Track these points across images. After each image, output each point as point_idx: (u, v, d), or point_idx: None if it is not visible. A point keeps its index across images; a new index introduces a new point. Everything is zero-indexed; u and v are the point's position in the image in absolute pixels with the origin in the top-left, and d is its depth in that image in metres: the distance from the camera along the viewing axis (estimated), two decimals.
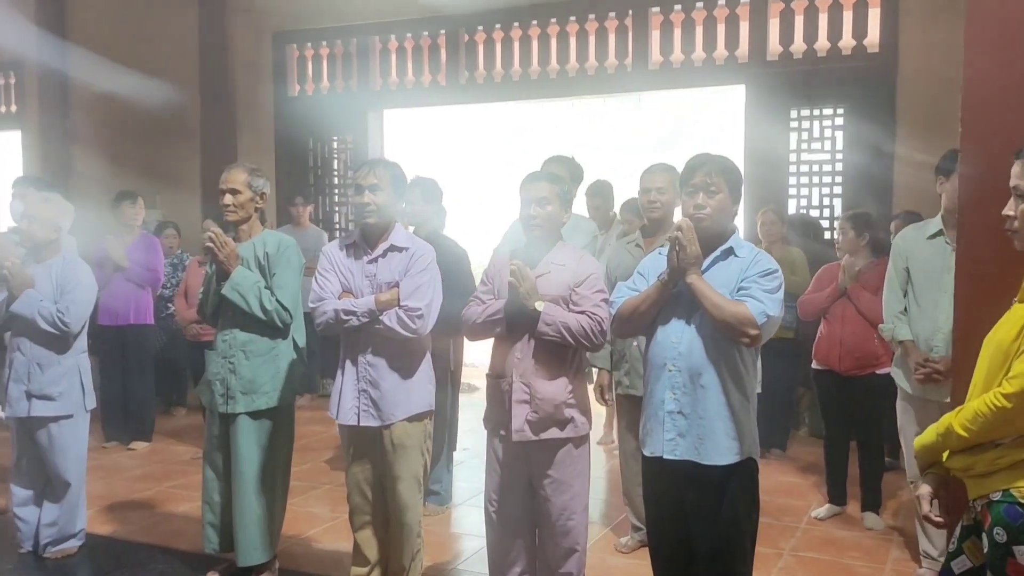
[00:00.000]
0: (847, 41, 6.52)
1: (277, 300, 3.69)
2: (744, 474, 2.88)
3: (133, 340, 6.26)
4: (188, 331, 5.96)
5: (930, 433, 2.20)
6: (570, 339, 3.12)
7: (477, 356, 7.41)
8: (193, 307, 5.73)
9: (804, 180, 6.83)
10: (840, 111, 6.65)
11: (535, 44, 7.52)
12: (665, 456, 2.87)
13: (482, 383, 7.90)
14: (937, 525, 2.26)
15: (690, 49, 6.98)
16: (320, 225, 8.25)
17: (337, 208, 8.56)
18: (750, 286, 2.82)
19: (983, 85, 2.49)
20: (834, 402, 4.71)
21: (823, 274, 4.86)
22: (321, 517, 4.83)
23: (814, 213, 6.80)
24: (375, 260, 3.42)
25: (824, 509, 4.79)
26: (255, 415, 3.73)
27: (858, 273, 4.63)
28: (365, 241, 3.46)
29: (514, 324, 3.18)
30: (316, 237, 7.26)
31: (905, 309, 3.90)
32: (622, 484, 4.37)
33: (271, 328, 3.73)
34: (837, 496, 4.82)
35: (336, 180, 8.53)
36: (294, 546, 4.34)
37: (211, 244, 3.64)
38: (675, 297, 2.90)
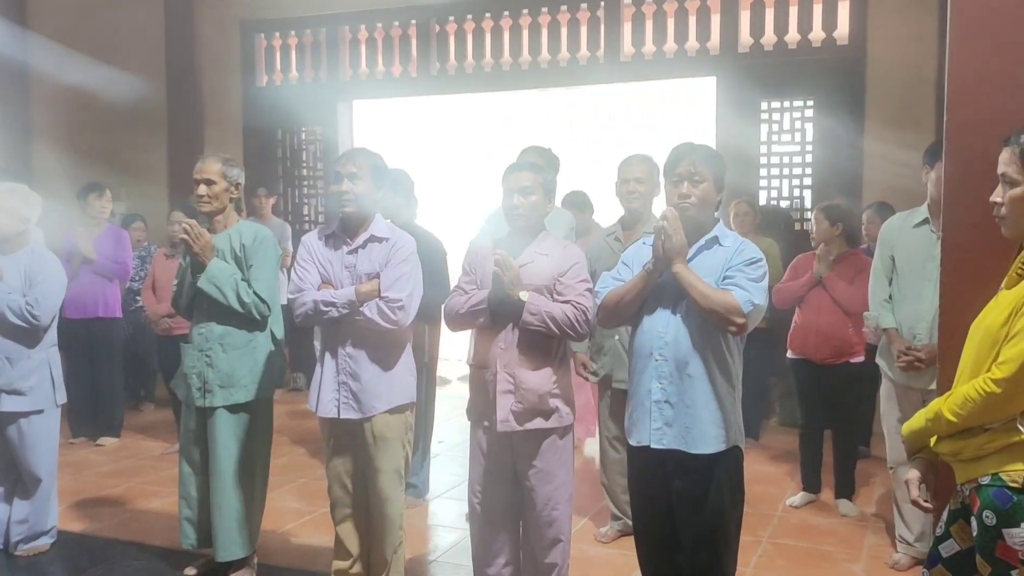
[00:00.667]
0: (817, 33, 6.58)
1: (255, 292, 3.64)
2: (730, 462, 2.90)
3: (101, 334, 6.14)
4: (159, 325, 5.86)
5: (918, 418, 2.23)
6: (555, 329, 3.11)
7: (450, 349, 7.37)
8: (162, 301, 5.67)
9: (775, 172, 6.88)
10: (810, 103, 6.70)
11: (507, 35, 7.48)
12: (652, 445, 2.87)
13: (455, 374, 7.88)
14: (925, 510, 2.29)
15: (662, 41, 7.00)
16: (289, 218, 8.17)
17: (306, 200, 8.47)
18: (735, 275, 2.84)
19: (967, 74, 2.52)
20: (810, 391, 4.76)
21: (798, 263, 4.90)
22: (298, 511, 4.79)
23: (784, 205, 6.86)
24: (355, 251, 3.38)
25: (799, 497, 4.84)
26: (233, 409, 3.68)
27: (832, 262, 4.67)
28: (344, 231, 3.42)
29: (498, 314, 3.17)
30: (279, 230, 7.16)
31: (890, 297, 3.94)
32: (601, 473, 4.38)
33: (248, 321, 3.68)
34: (812, 484, 4.87)
35: (305, 172, 8.44)
36: (272, 541, 4.29)
37: (186, 236, 3.58)
38: (660, 286, 2.90)
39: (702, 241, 2.94)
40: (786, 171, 6.85)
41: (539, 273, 3.19)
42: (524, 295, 3.12)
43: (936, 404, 2.16)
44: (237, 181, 3.76)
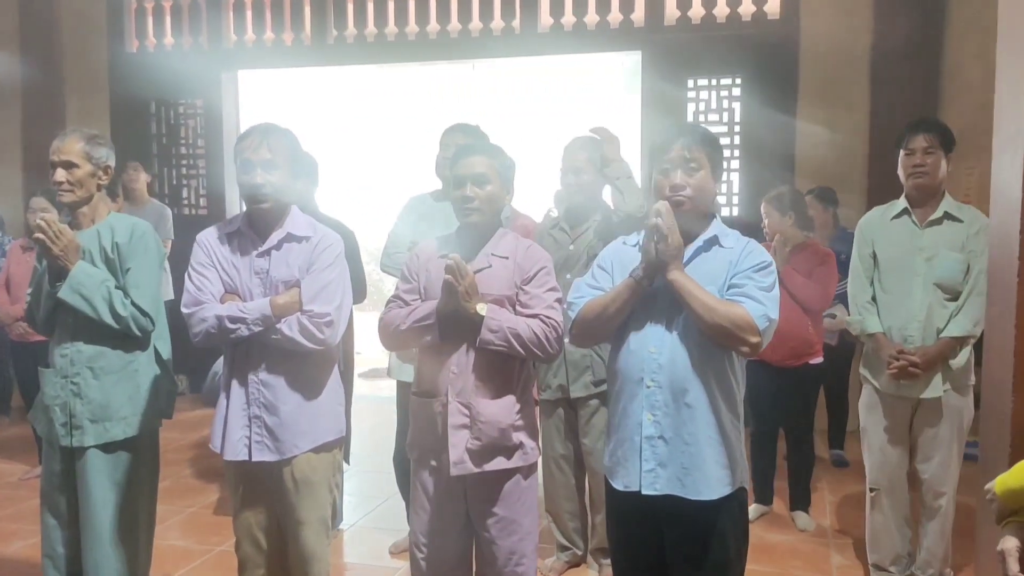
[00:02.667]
0: (747, 7, 6.20)
1: (133, 302, 2.93)
2: (735, 507, 2.42)
3: None
4: (13, 329, 5.02)
5: (1018, 475, 1.78)
6: (519, 349, 2.56)
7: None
8: (17, 301, 4.85)
9: None
10: (738, 81, 6.33)
11: (412, 2, 6.81)
12: (643, 491, 2.36)
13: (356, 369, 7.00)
14: None
15: (582, 12, 6.47)
16: (167, 200, 7.25)
17: (186, 181, 7.57)
18: (744, 283, 2.35)
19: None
20: (765, 395, 4.36)
21: None
22: (188, 552, 4.08)
23: None
24: (267, 253, 2.72)
25: (751, 509, 4.46)
26: (109, 448, 2.97)
27: (788, 254, 4.28)
28: (253, 229, 2.75)
29: (449, 331, 2.59)
30: (157, 214, 6.30)
31: (873, 298, 3.56)
32: (545, 497, 3.86)
33: (126, 338, 2.96)
34: (765, 495, 4.51)
35: (184, 150, 7.54)
36: None
37: (41, 236, 2.83)
38: (651, 297, 2.39)
39: (700, 241, 2.44)
40: None
41: (498, 280, 2.63)
42: (482, 308, 2.55)
43: None
44: (106, 163, 3.02)
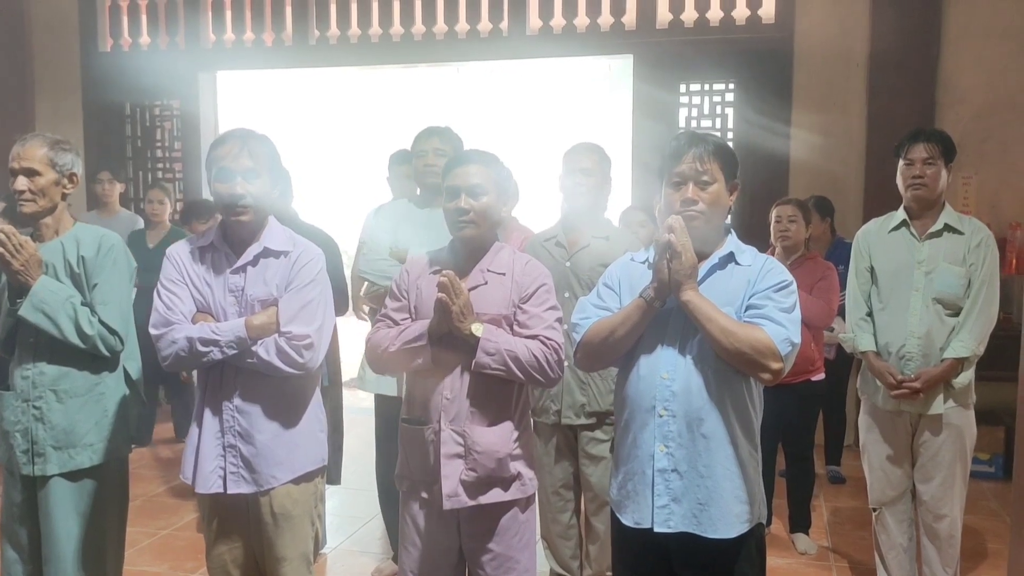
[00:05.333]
0: (741, 11, 6.04)
1: (101, 320, 2.72)
2: (752, 545, 2.25)
3: None
4: None
5: None
6: (518, 373, 2.37)
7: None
8: None
9: None
10: (731, 86, 6.18)
11: (396, 3, 6.61)
12: (656, 528, 2.18)
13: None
14: None
15: (572, 14, 6.30)
16: (142, 206, 6.98)
17: (161, 186, 7.31)
18: (763, 304, 2.18)
19: None
20: (764, 412, 4.17)
21: None
22: None
23: None
24: (242, 269, 2.51)
25: None
26: (74, 476, 2.75)
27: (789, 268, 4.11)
28: (228, 243, 2.55)
29: (442, 353, 2.40)
30: (129, 224, 6.07)
31: (868, 314, 3.41)
32: (540, 525, 3.66)
33: (93, 359, 2.75)
34: (766, 515, 4.33)
35: (160, 153, 7.29)
36: None
37: (0, 249, 2.61)
38: (662, 318, 2.22)
39: (714, 259, 2.27)
40: None
41: (494, 298, 2.45)
42: (477, 328, 2.36)
43: None
44: (71, 171, 2.80)
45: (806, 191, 5.51)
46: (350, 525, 4.47)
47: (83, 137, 7.10)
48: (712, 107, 6.24)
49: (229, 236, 2.55)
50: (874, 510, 3.48)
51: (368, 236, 3.88)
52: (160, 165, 7.30)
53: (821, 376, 4.18)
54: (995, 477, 5.20)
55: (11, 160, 2.72)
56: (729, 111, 6.21)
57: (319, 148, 7.64)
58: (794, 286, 2.25)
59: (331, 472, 3.90)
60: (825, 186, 5.62)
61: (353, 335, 4.69)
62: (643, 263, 2.32)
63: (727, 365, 2.16)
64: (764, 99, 5.99)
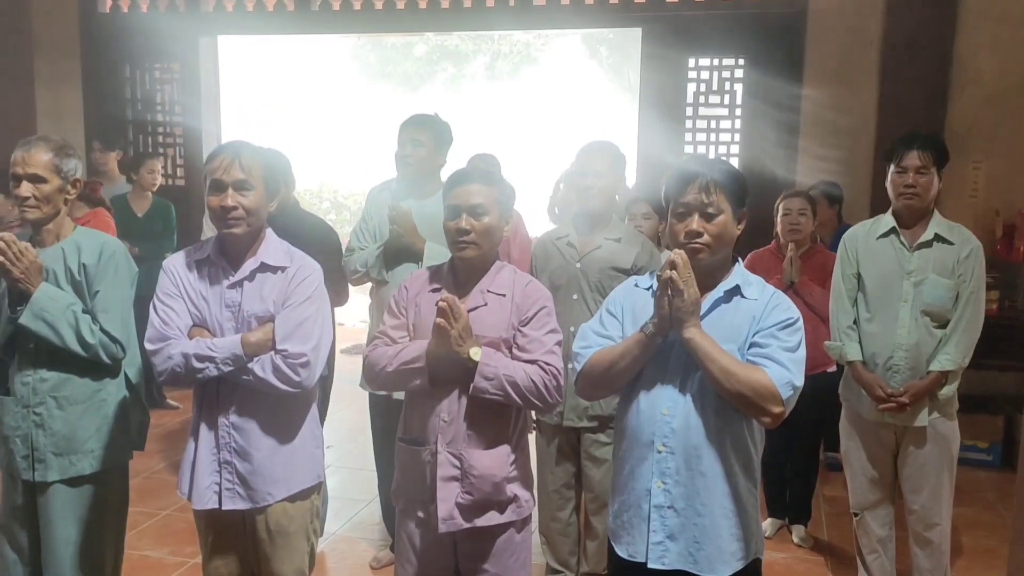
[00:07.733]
0: None
1: (102, 328, 2.70)
2: None
3: None
4: None
5: None
6: (516, 398, 2.36)
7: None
8: None
9: (700, 137, 6.23)
10: (742, 61, 6.06)
11: None
12: (650, 564, 2.19)
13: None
14: None
15: None
16: (141, 172, 6.91)
17: (161, 150, 7.23)
18: (768, 343, 2.15)
19: None
20: None
21: (753, 263, 4.24)
22: (162, 564, 3.89)
23: None
24: (239, 284, 2.49)
25: (767, 524, 4.30)
26: (74, 482, 2.76)
27: (800, 264, 4.08)
28: (224, 257, 2.52)
29: (440, 376, 2.38)
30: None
31: (855, 322, 3.37)
32: (539, 520, 3.68)
33: (94, 366, 2.74)
34: (780, 508, 4.37)
35: (160, 117, 7.20)
36: None
37: (0, 257, 2.58)
38: (663, 352, 2.19)
39: (719, 292, 2.23)
40: (713, 136, 6.23)
41: (494, 320, 2.42)
42: (476, 353, 2.34)
43: None
44: (75, 177, 2.75)
45: (816, 171, 5.45)
46: (349, 508, 4.49)
47: (82, 98, 7.02)
48: (721, 83, 6.14)
49: (226, 249, 2.52)
50: (855, 514, 3.50)
51: (357, 227, 3.85)
52: (160, 129, 7.20)
53: (834, 368, 4.15)
54: (993, 466, 5.20)
55: (13, 165, 2.67)
56: (738, 87, 6.11)
57: (321, 114, 7.54)
58: (800, 323, 2.22)
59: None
60: (835, 165, 5.55)
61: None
62: (647, 289, 2.29)
63: (726, 403, 2.14)
64: (775, 75, 5.87)
